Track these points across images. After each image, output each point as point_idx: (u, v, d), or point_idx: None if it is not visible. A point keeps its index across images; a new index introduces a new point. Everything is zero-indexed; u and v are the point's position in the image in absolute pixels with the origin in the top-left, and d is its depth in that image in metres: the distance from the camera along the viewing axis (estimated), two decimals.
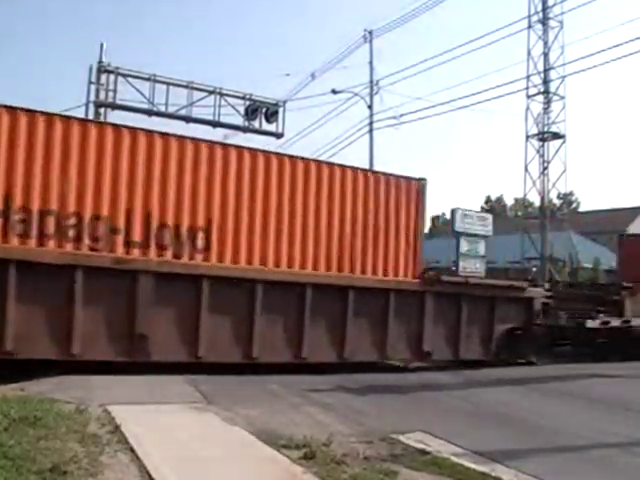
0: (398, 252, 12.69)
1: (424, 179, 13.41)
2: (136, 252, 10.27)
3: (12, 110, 9.51)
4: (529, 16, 27.92)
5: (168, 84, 20.00)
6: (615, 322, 14.86)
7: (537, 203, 30.70)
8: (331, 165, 12.53)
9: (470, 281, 13.91)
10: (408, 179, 13.15)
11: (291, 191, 11.63)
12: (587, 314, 14.66)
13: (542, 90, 28.24)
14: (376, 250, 12.45)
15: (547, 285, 16.66)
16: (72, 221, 9.81)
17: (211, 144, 11.21)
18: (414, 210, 13.00)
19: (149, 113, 19.96)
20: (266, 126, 21.73)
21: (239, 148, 11.53)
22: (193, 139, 11.07)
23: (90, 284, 9.60)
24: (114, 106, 19.93)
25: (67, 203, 9.80)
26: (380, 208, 12.60)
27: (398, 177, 13.08)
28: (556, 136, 28.78)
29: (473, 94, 38.62)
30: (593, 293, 16.60)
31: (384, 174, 13.03)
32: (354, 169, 12.59)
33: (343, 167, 12.43)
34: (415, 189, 13.09)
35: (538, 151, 29.01)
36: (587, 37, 62.42)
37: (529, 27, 27.92)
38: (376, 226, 12.52)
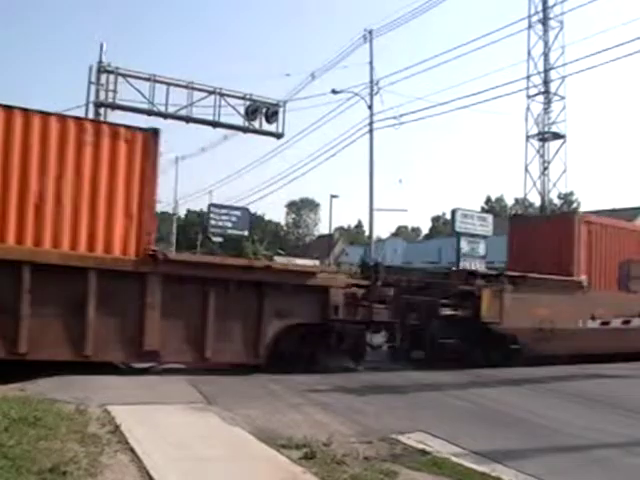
0: (112, 222, 9.97)
1: (157, 129, 10.58)
2: None
3: None
4: (529, 16, 27.93)
5: (168, 84, 20.02)
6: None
7: (537, 203, 30.69)
8: (9, 109, 9.51)
9: (217, 262, 11.43)
10: (131, 129, 10.32)
11: None
12: (420, 307, 12.80)
13: (542, 90, 28.26)
14: (77, 218, 9.74)
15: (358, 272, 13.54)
16: None
17: None
18: (139, 170, 10.18)
19: (149, 113, 19.97)
20: (266, 126, 21.75)
21: None
22: None
23: None
24: (114, 106, 19.94)
25: None
26: (84, 166, 9.82)
27: (115, 126, 10.39)
28: (556, 136, 28.80)
29: (473, 94, 38.39)
30: (437, 282, 13.97)
31: (94, 121, 10.72)
32: (45, 114, 9.75)
33: (26, 111, 9.59)
34: (141, 143, 10.20)
35: (538, 151, 29.03)
36: (587, 37, 62.61)
37: (529, 27, 27.94)
38: (78, 188, 9.77)
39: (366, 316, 11.96)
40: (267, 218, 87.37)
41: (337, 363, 11.74)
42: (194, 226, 63.27)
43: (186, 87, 20.32)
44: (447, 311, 12.99)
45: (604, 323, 14.37)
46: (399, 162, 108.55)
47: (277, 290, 11.01)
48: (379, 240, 48.97)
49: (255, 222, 56.64)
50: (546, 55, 28.08)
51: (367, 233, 36.19)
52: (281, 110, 21.83)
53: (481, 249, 26.29)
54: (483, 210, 54.04)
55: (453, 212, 26.76)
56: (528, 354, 13.36)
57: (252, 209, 43.63)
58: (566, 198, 38.92)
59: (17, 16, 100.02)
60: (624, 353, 14.77)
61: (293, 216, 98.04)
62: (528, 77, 27.81)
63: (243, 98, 21.15)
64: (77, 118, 10.63)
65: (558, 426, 7.89)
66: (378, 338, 12.59)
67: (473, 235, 26.07)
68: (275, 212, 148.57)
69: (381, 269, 12.74)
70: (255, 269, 11.18)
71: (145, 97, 19.71)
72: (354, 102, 27.17)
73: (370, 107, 26.61)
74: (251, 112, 21.30)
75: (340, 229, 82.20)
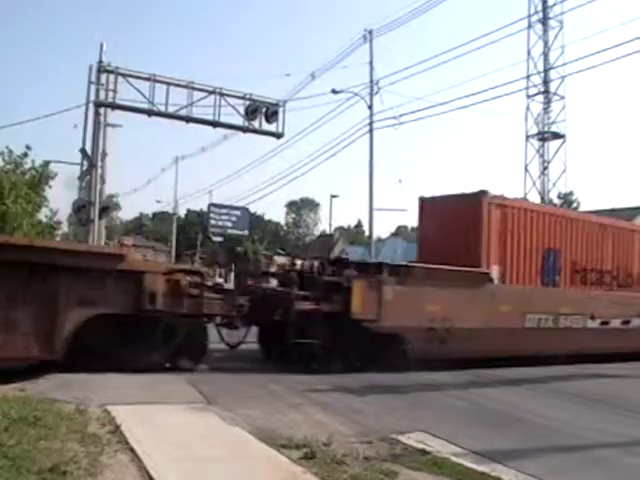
0: None
1: None
2: None
3: None
4: (529, 16, 27.93)
5: (168, 84, 19.98)
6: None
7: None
8: None
9: None
10: None
11: None
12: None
13: (542, 90, 28.26)
14: None
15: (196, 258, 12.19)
16: None
17: None
18: None
19: (149, 113, 19.95)
20: (266, 126, 21.70)
21: None
22: None
23: None
24: (114, 106, 19.91)
25: None
26: None
27: None
28: (556, 136, 28.81)
29: (473, 94, 38.41)
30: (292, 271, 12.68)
31: None
32: None
33: None
34: None
35: (538, 151, 29.04)
36: (587, 37, 62.62)
37: (529, 27, 27.94)
38: None
39: (194, 308, 10.58)
40: (267, 218, 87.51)
41: (160, 360, 10.31)
42: (194, 226, 63.30)
43: (186, 87, 20.28)
44: (305, 305, 11.15)
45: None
46: (399, 162, 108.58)
47: (79, 275, 9.66)
48: (379, 240, 48.94)
49: (255, 222, 56.63)
50: (546, 55, 28.09)
51: (367, 233, 36.19)
52: (281, 110, 21.79)
53: None
54: None
55: None
56: (417, 357, 11.45)
57: (252, 209, 43.63)
58: (566, 198, 38.91)
59: (17, 16, 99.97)
60: (545, 356, 13.14)
61: (293, 216, 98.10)
62: (528, 77, 27.82)
63: (243, 98, 21.12)
64: None
65: (558, 426, 7.89)
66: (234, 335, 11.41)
67: None
68: (275, 212, 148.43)
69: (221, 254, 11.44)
70: (38, 249, 9.69)
71: (145, 97, 19.67)
72: (354, 102, 27.17)
73: (370, 107, 26.59)
74: (251, 112, 21.27)
75: (340, 229, 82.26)
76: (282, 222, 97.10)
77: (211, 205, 40.40)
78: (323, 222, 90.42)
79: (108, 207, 20.87)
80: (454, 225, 13.43)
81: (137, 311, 10.14)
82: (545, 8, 28.01)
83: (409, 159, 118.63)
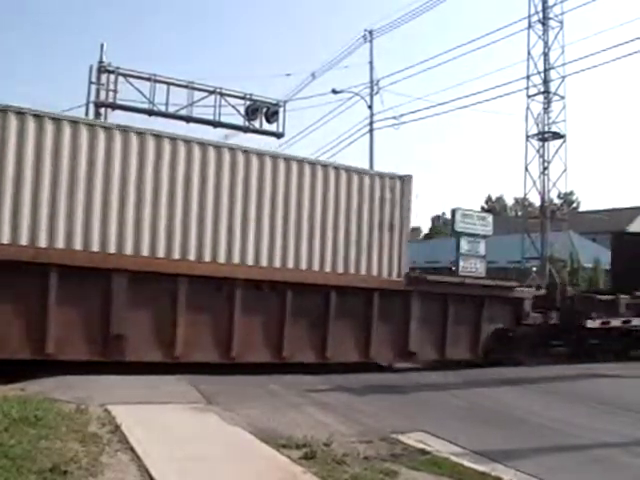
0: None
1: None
2: None
3: None
4: (529, 16, 27.88)
5: (168, 84, 19.99)
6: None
7: (537, 203, 30.67)
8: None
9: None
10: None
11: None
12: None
13: (542, 90, 28.22)
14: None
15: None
16: None
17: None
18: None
19: (149, 113, 19.96)
20: (266, 126, 21.73)
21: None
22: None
23: None
24: (114, 106, 19.93)
25: None
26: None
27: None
28: (556, 136, 28.75)
29: (473, 94, 38.72)
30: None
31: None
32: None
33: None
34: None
35: (538, 151, 28.98)
36: (587, 37, 62.60)
37: (529, 27, 27.88)
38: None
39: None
40: None
41: None
42: None
43: (186, 87, 20.30)
44: None
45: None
46: (399, 162, 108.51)
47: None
48: None
49: None
50: (546, 55, 28.04)
51: None
52: (281, 110, 21.83)
53: (481, 249, 26.26)
54: (483, 209, 54.00)
55: (453, 212, 26.72)
56: None
57: None
58: (566, 198, 38.92)
59: (17, 15, 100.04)
60: None
61: None
62: (528, 77, 27.77)
63: (243, 98, 21.14)
64: None
65: (558, 426, 7.90)
66: None
67: (473, 235, 26.05)
68: None
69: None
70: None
71: (145, 97, 19.70)
72: (354, 102, 27.22)
73: (370, 107, 26.66)
74: (251, 112, 21.29)
75: None
76: None
77: None
78: None
79: None
80: None
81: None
82: (545, 8, 27.96)
83: (409, 159, 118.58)
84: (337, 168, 12.25)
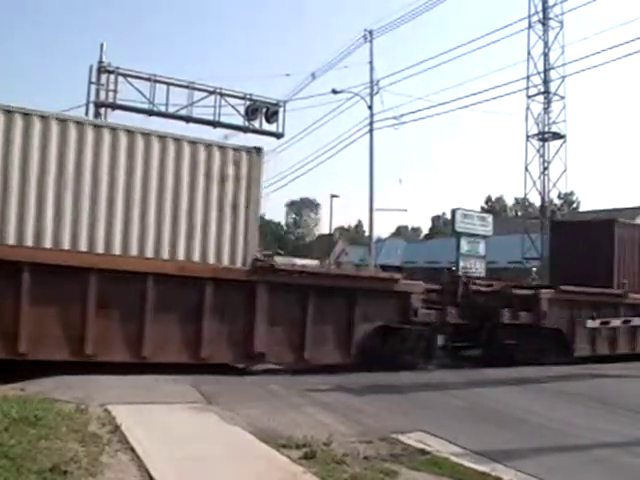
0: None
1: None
2: None
3: None
4: (529, 16, 27.94)
5: (168, 84, 20.02)
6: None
7: (537, 203, 30.69)
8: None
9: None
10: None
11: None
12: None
13: (542, 90, 28.25)
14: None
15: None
16: None
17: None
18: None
19: (149, 113, 19.98)
20: (266, 126, 21.78)
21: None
22: None
23: None
24: (114, 106, 19.95)
25: None
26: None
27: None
28: (556, 136, 28.78)
29: (473, 94, 38.52)
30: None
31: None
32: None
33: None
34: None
35: (538, 151, 29.01)
36: (587, 37, 62.52)
37: (529, 27, 27.94)
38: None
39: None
40: (267, 218, 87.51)
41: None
42: None
43: (186, 87, 20.33)
44: None
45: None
46: (399, 162, 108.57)
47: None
48: (379, 240, 48.95)
49: None
50: (546, 55, 28.07)
51: (367, 233, 36.18)
52: (281, 110, 21.85)
53: (481, 249, 26.31)
54: (483, 210, 54.09)
55: (453, 212, 26.77)
56: None
57: None
58: (566, 198, 38.94)
59: (17, 15, 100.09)
60: None
61: (293, 216, 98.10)
62: (528, 77, 27.83)
63: (243, 98, 21.17)
64: None
65: (558, 426, 7.89)
66: None
67: (473, 235, 26.09)
68: (275, 212, 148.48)
69: None
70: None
71: (145, 97, 19.72)
72: (354, 102, 27.19)
73: (370, 107, 26.61)
74: (251, 112, 21.32)
75: (340, 229, 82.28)
76: (282, 222, 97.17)
77: None
78: (323, 222, 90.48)
79: None
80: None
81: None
82: (545, 8, 28.00)
83: (409, 159, 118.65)
84: (163, 137, 10.58)
